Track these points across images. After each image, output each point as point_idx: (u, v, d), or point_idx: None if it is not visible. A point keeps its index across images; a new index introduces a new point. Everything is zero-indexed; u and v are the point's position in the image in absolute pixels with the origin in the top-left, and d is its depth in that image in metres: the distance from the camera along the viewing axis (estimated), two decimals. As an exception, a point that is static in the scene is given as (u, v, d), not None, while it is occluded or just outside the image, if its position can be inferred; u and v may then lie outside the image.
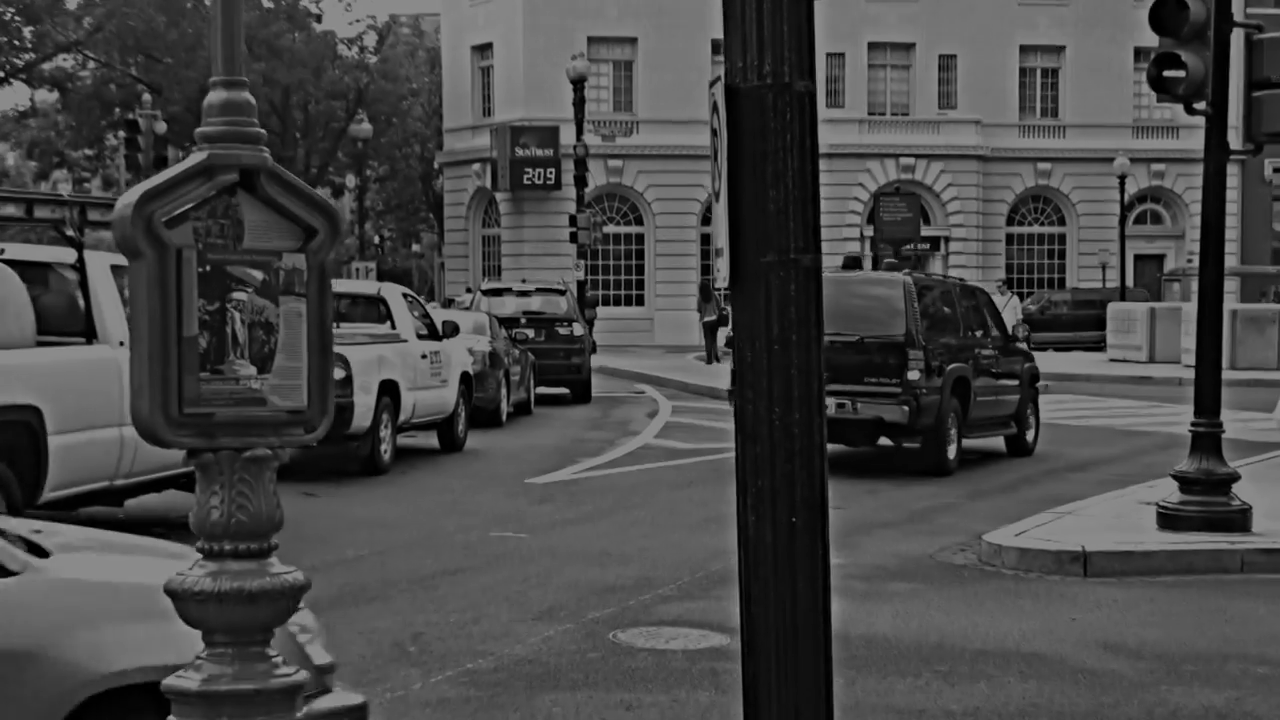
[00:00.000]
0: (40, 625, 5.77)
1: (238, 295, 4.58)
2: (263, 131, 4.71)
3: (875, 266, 40.76)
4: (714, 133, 5.35)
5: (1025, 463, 23.45)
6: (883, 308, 21.55)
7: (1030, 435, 24.68)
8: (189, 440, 4.55)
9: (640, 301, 64.29)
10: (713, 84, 5.36)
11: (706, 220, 63.97)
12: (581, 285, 45.50)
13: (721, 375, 39.25)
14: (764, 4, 5.10)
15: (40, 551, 6.10)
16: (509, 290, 38.23)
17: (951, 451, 21.75)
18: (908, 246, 59.14)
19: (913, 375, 20.91)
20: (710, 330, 48.49)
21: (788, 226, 5.11)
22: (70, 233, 14.91)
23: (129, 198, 4.50)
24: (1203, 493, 15.37)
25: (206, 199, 4.56)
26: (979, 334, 23.81)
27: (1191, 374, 18.21)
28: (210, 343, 4.53)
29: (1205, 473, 15.36)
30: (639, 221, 64.62)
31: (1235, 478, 15.63)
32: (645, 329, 61.82)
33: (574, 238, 48.08)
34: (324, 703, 5.86)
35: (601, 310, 54.93)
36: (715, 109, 5.28)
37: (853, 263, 29.28)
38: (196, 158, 4.58)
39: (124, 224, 4.47)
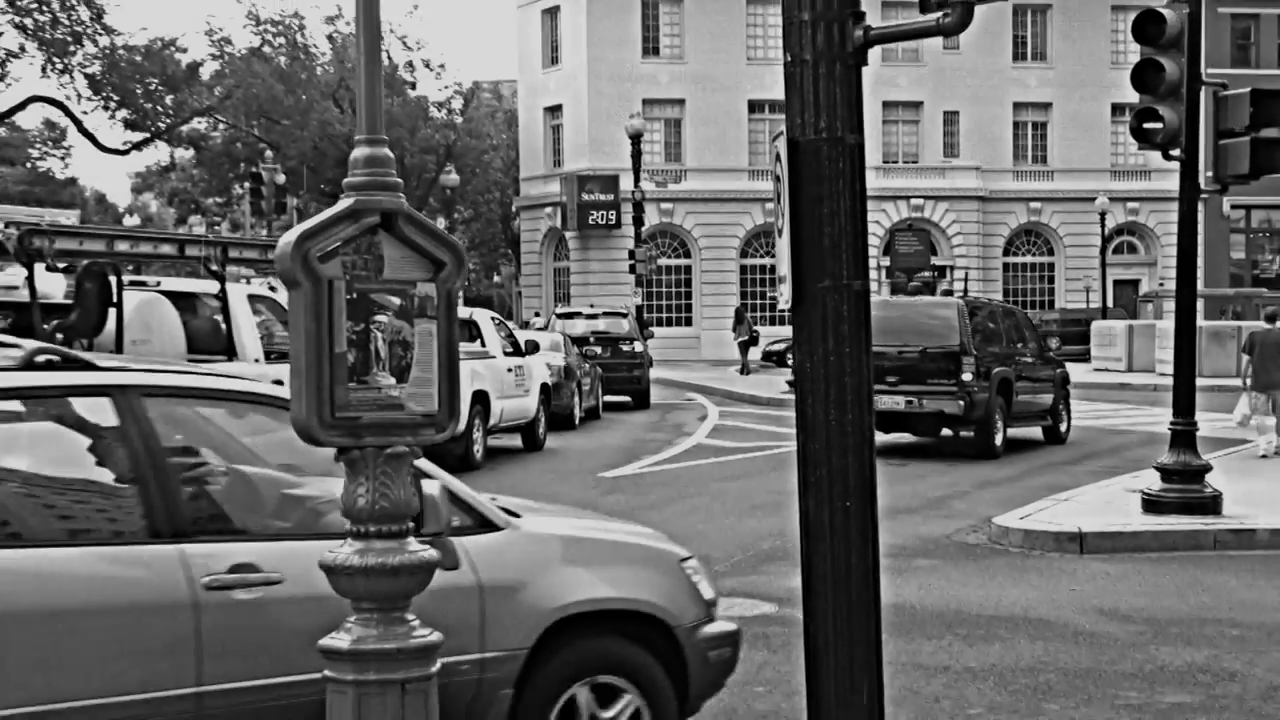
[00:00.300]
0: (522, 566, 6.52)
1: (379, 318, 4.64)
2: (399, 180, 4.76)
3: (932, 292, 42.47)
4: (776, 179, 5.39)
5: (1032, 456, 23.38)
6: (942, 325, 22.95)
7: (1063, 427, 25.75)
8: (339, 439, 4.62)
9: (689, 323, 64.20)
10: (775, 138, 5.41)
11: (744, 254, 64.08)
12: (639, 309, 45.43)
13: (757, 384, 39.42)
14: (819, 71, 5.15)
15: (511, 513, 6.76)
16: (579, 314, 38.39)
17: (998, 439, 23.02)
18: (919, 274, 58.96)
19: (966, 376, 22.26)
20: (743, 348, 48.98)
21: (840, 257, 5.15)
22: (214, 268, 15.06)
23: (289, 237, 4.57)
24: (1180, 482, 15.36)
25: (353, 238, 4.62)
26: (1019, 345, 24.95)
27: (1165, 381, 18.19)
28: (357, 358, 4.61)
29: (1183, 464, 15.35)
30: (687, 255, 64.54)
31: (1208, 469, 15.61)
32: (693, 346, 61.75)
33: (632, 269, 48.06)
34: (710, 629, 7.13)
35: (656, 330, 54.96)
36: (778, 158, 5.32)
37: (917, 290, 30.99)
38: (344, 203, 4.64)
39: (284, 259, 4.55)
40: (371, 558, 4.62)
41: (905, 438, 24.55)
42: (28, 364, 5.82)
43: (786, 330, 38.35)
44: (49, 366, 5.89)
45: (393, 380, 4.66)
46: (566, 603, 6.58)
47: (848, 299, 5.15)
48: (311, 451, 6.06)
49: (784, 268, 5.30)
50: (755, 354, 50.77)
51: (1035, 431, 25.47)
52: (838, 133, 5.13)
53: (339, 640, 4.66)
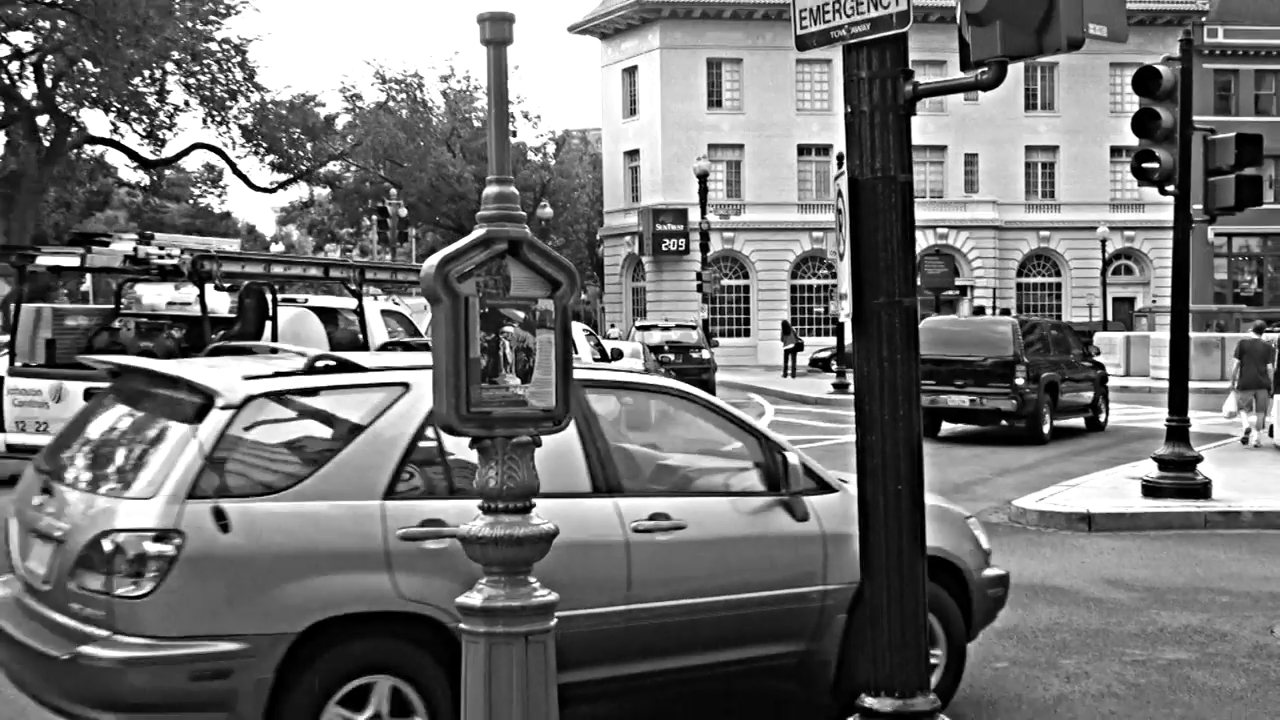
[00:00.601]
0: (853, 519, 6.61)
1: (507, 329, 4.69)
2: (523, 214, 4.80)
3: (992, 312, 43.80)
4: (838, 211, 5.43)
5: (1060, 445, 23.36)
6: (999, 338, 24.00)
7: (1102, 417, 26.63)
8: (473, 430, 4.67)
9: (747, 334, 64.03)
10: (837, 177, 5.44)
11: (795, 275, 63.95)
12: (705, 322, 45.37)
13: (805, 386, 39.33)
14: (875, 120, 5.19)
15: (843, 479, 7.38)
16: (655, 326, 38.58)
17: (1046, 429, 23.96)
18: (943, 292, 58.60)
19: (1019, 381, 23.37)
20: (789, 355, 49.06)
21: (893, 277, 5.18)
22: (353, 287, 15.21)
23: (432, 261, 4.62)
24: (1175, 470, 15.24)
25: (485, 261, 4.67)
26: (1065, 354, 25.66)
27: (1157, 384, 17.99)
28: (488, 362, 4.65)
29: (1177, 455, 15.23)
30: (745, 276, 64.41)
31: (1199, 459, 15.49)
32: (749, 354, 61.55)
33: (699, 288, 48.01)
34: (988, 572, 7.77)
35: (720, 340, 54.96)
36: (840, 194, 5.36)
37: (979, 311, 32.46)
38: (478, 232, 4.70)
39: (429, 279, 4.61)
40: (500, 529, 4.67)
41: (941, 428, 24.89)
42: None
43: (831, 340, 38.27)
44: None
45: (518, 381, 4.70)
46: None
47: (899, 313, 5.18)
48: (689, 428, 7.33)
49: (845, 286, 5.33)
50: (803, 359, 50.82)
51: (1079, 421, 26.26)
52: (891, 172, 5.16)
53: (472, 598, 4.70)
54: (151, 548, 5.54)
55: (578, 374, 6.53)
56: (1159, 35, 60.68)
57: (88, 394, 12.78)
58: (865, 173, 5.17)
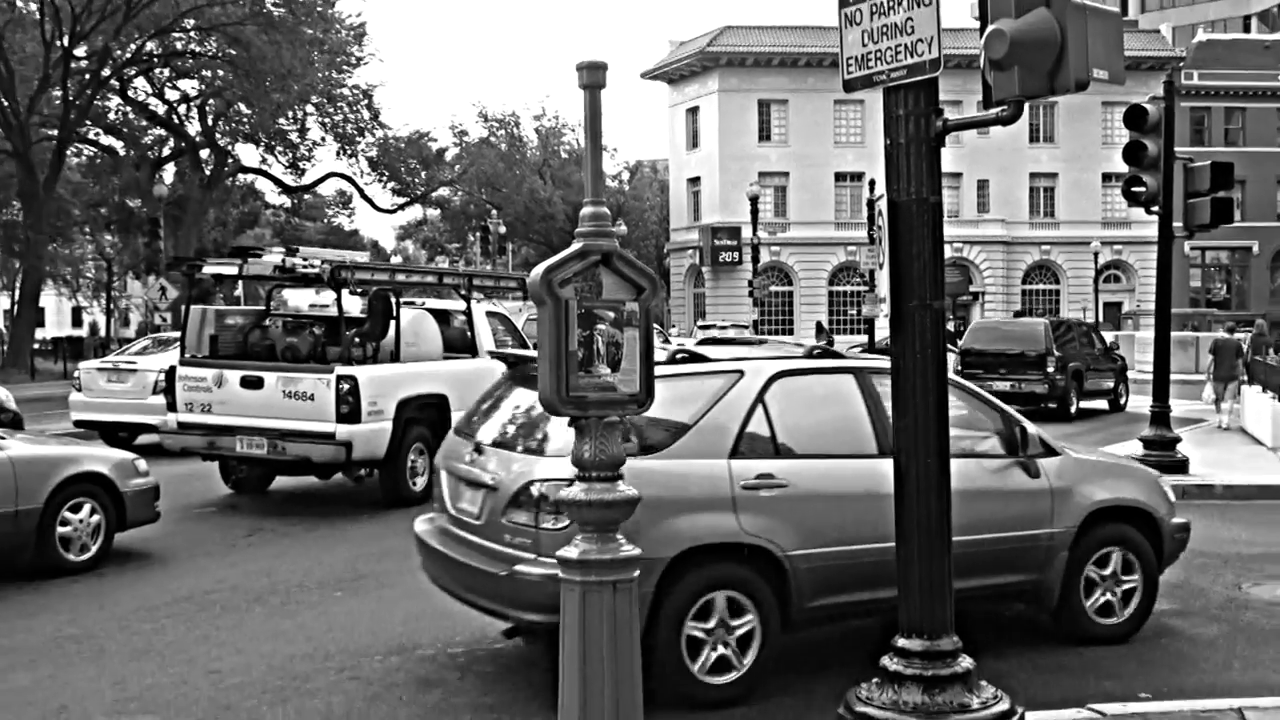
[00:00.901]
0: (1073, 477, 7.62)
1: (600, 326, 4.69)
2: (614, 230, 4.81)
3: (1029, 315, 44.06)
4: (879, 228, 5.44)
5: (1069, 425, 22.63)
6: (1034, 335, 24.94)
7: (1123, 400, 27.13)
8: (571, 411, 4.68)
9: (791, 333, 63.53)
10: (876, 200, 5.43)
11: (831, 282, 63.65)
12: (756, 323, 45.28)
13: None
14: (910, 151, 5.16)
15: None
16: (713, 326, 38.61)
17: (1073, 408, 24.71)
18: (959, 298, 58.22)
19: (1050, 369, 24.26)
20: None
21: (925, 284, 5.15)
22: (462, 293, 15.26)
23: (538, 271, 4.63)
24: (1158, 449, 15.06)
25: (582, 270, 4.68)
26: (1090, 348, 26.37)
27: (1141, 376, 17.71)
28: (584, 354, 4.65)
29: (1160, 436, 15.05)
30: (789, 283, 64.21)
31: (1178, 440, 15.31)
32: (793, 350, 61.43)
33: (750, 294, 47.91)
34: (1175, 520, 8.15)
35: (767, 338, 54.76)
36: (880, 213, 5.36)
37: (1018, 314, 33.07)
38: (576, 245, 4.70)
39: (535, 285, 4.62)
40: (593, 495, 4.68)
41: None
42: (808, 354, 7.41)
43: (863, 338, 37.86)
44: (820, 356, 7.42)
45: (609, 370, 4.70)
46: (1096, 500, 7.66)
47: (930, 314, 5.16)
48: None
49: (884, 291, 5.34)
50: (838, 355, 50.77)
51: (1103, 403, 26.77)
52: (924, 195, 5.14)
53: (570, 552, 4.70)
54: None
55: (866, 364, 7.49)
56: (1143, 78, 59.73)
57: (244, 381, 12.96)
58: (902, 196, 5.15)
